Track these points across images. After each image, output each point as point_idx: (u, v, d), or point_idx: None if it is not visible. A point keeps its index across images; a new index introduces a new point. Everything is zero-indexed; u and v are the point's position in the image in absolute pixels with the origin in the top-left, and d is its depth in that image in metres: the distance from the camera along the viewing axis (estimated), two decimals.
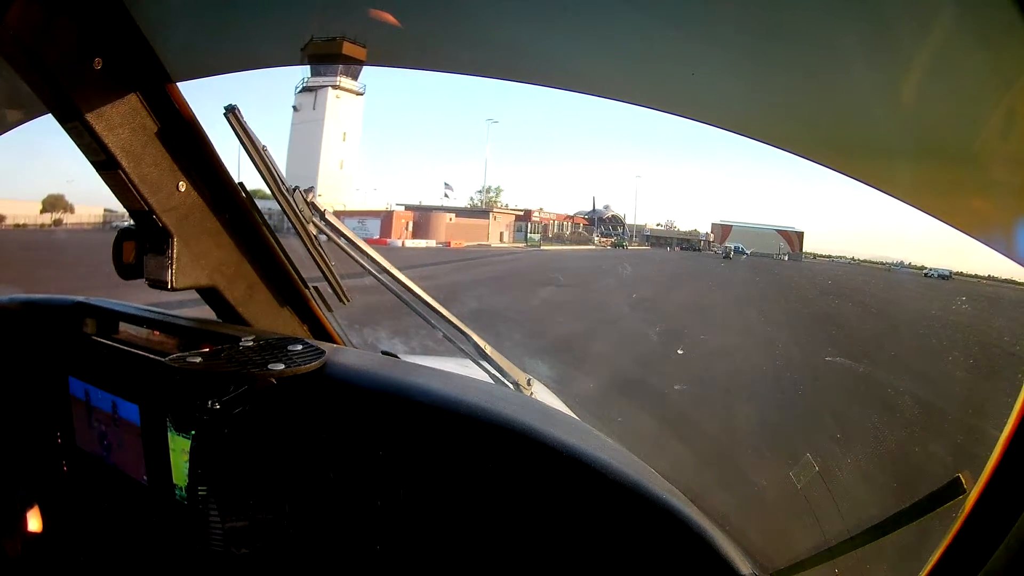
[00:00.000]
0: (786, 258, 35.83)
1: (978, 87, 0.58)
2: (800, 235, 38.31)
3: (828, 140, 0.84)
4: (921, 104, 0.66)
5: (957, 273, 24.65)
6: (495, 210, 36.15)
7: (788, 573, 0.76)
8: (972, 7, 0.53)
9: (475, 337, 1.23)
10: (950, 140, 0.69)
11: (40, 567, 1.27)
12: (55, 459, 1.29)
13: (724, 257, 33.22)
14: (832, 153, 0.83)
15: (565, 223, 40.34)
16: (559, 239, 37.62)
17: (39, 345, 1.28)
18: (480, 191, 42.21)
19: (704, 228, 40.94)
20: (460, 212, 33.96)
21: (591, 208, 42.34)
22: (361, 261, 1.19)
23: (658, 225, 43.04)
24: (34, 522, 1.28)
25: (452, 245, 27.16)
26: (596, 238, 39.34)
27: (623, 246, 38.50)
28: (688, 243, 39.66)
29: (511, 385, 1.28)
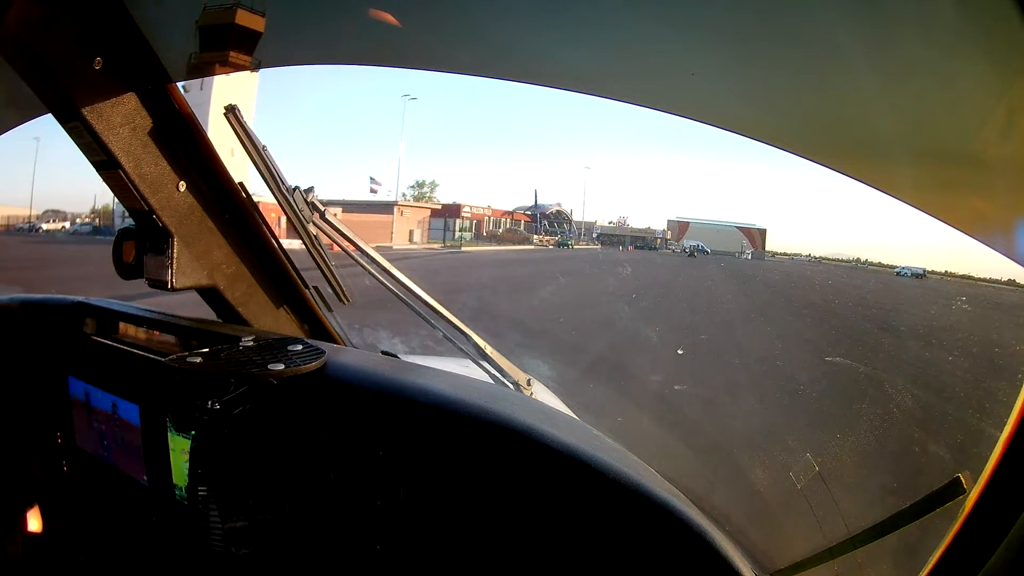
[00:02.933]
0: (749, 256, 33.38)
1: (978, 87, 0.59)
2: (762, 232, 35.59)
3: (828, 139, 0.84)
4: (921, 104, 0.66)
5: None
6: (401, 203, 29.77)
7: (788, 573, 0.76)
8: (972, 7, 0.53)
9: (475, 337, 1.23)
10: (950, 139, 0.69)
11: (40, 567, 1.27)
12: (55, 459, 1.29)
13: (689, 256, 30.94)
14: (832, 152, 0.83)
15: (503, 219, 35.08)
16: (494, 238, 32.52)
17: (39, 345, 1.28)
18: (412, 186, 36.67)
19: (659, 225, 37.55)
20: (354, 206, 26.54)
21: (533, 203, 37.92)
22: (361, 261, 1.19)
23: (610, 223, 38.81)
24: (34, 522, 1.28)
25: (335, 249, 22.60)
26: (536, 236, 34.24)
27: (567, 245, 33.57)
28: (643, 241, 36.23)
29: (511, 385, 1.28)
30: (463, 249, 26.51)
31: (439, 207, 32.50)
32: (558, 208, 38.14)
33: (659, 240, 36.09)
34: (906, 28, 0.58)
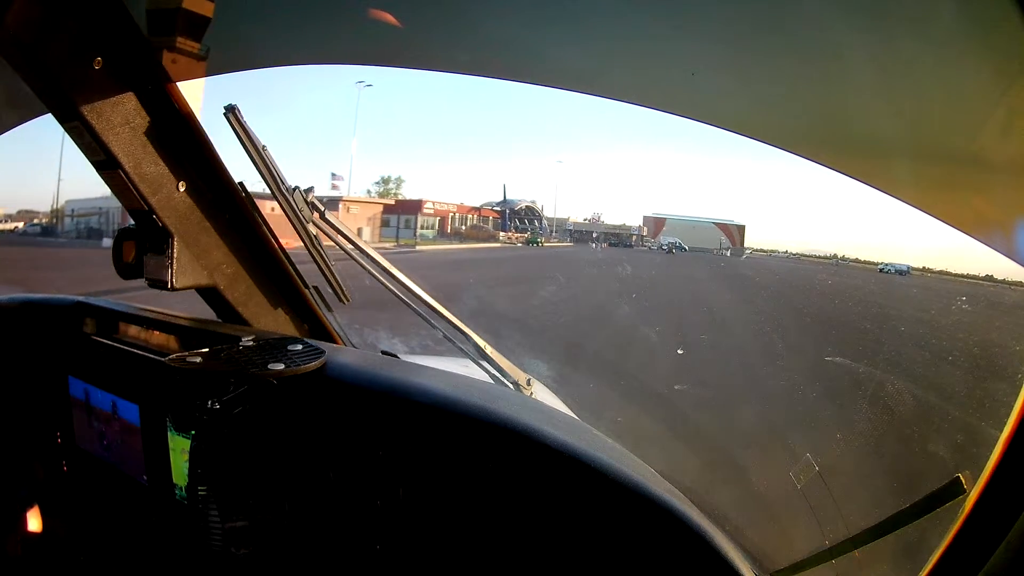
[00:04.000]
0: (727, 253, 31.86)
1: (978, 86, 0.59)
2: (741, 228, 34.03)
3: (829, 139, 0.84)
4: (921, 103, 0.66)
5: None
6: (347, 199, 26.95)
7: (788, 573, 0.76)
8: (972, 7, 0.53)
9: (475, 337, 1.23)
10: (950, 139, 0.69)
11: (40, 567, 1.27)
12: (55, 459, 1.29)
13: (668, 252, 29.21)
14: (832, 152, 0.83)
15: (470, 216, 33.38)
16: (458, 235, 30.36)
17: (39, 345, 1.28)
18: (377, 182, 34.61)
19: (635, 222, 35.96)
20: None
21: (502, 198, 35.75)
22: (361, 261, 1.19)
23: (586, 219, 37.11)
24: (34, 522, 1.28)
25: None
26: (503, 233, 32.32)
27: (537, 243, 31.72)
28: (617, 238, 34.55)
29: (511, 385, 1.28)
30: (417, 248, 24.24)
31: (392, 203, 30.13)
32: (528, 204, 36.48)
33: (634, 237, 34.80)
34: (905, 27, 0.58)
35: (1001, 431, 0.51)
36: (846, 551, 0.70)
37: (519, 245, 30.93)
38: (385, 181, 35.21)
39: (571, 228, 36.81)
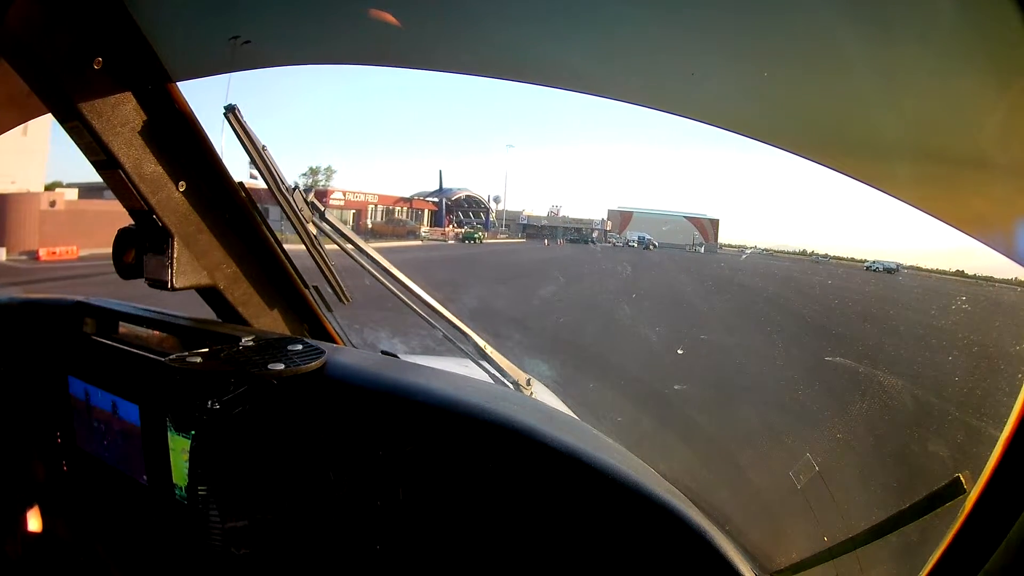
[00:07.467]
0: (701, 249, 29.36)
1: (978, 86, 0.59)
2: (715, 223, 31.47)
3: (829, 139, 0.84)
4: (921, 103, 0.66)
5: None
6: None
7: (788, 573, 0.76)
8: (972, 7, 0.53)
9: (475, 337, 1.23)
10: (950, 139, 0.69)
11: (40, 567, 1.27)
12: (55, 459, 1.29)
13: (644, 248, 26.92)
14: (832, 152, 0.83)
15: (399, 208, 28.09)
16: (369, 231, 24.57)
17: (39, 345, 1.28)
18: (305, 173, 28.77)
19: (600, 215, 32.43)
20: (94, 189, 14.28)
21: (438, 187, 30.35)
22: (361, 261, 1.19)
23: (550, 212, 33.17)
24: (34, 522, 1.28)
25: (59, 254, 12.48)
26: (426, 229, 26.58)
27: (475, 239, 26.39)
28: (578, 233, 30.81)
29: (511, 385, 1.28)
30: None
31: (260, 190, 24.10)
32: (469, 193, 31.41)
33: (597, 232, 31.46)
34: (904, 24, 0.58)
35: (1001, 431, 0.51)
36: (846, 551, 0.71)
37: (450, 242, 25.43)
38: (313, 172, 29.62)
39: (525, 222, 32.65)
